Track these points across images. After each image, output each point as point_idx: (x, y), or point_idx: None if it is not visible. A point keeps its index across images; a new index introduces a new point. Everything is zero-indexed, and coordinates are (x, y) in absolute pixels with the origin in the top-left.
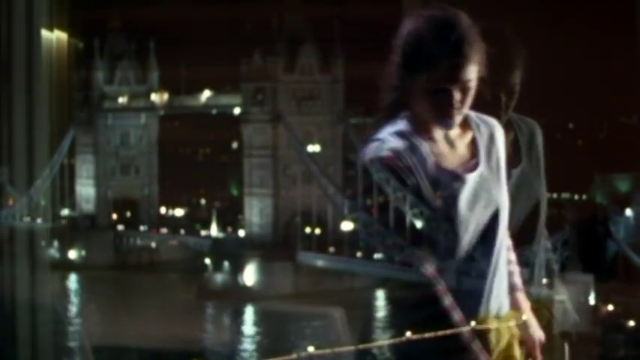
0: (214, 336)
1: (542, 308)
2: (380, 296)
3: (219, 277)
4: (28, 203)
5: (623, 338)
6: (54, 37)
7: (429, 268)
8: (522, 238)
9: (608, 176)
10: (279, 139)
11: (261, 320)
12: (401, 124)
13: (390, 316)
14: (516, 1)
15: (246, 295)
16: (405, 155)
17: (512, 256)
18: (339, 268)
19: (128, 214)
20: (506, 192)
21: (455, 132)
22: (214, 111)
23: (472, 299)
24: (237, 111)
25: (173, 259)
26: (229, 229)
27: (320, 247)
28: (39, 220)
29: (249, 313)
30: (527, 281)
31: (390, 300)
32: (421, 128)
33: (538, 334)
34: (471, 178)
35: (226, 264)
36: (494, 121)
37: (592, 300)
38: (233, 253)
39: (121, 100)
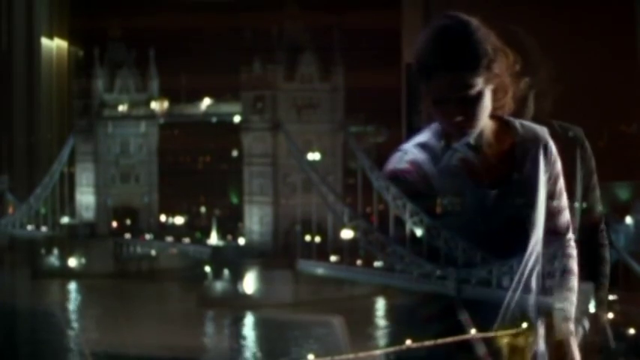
0: (214, 344)
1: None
2: (380, 304)
3: (219, 286)
4: (28, 211)
5: (624, 347)
6: (54, 45)
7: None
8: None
9: (607, 184)
10: (279, 147)
11: (261, 328)
12: (425, 135)
13: (390, 324)
14: (514, 11)
15: (247, 303)
16: (425, 167)
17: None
18: (338, 276)
19: (128, 222)
20: (542, 207)
21: (488, 141)
22: (214, 119)
23: (473, 308)
24: (237, 119)
25: (173, 268)
26: (229, 237)
27: (320, 255)
28: (39, 228)
29: (249, 321)
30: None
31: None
32: (446, 138)
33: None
34: (498, 190)
35: (226, 272)
36: (540, 131)
37: (592, 308)
38: (233, 261)
39: (121, 108)
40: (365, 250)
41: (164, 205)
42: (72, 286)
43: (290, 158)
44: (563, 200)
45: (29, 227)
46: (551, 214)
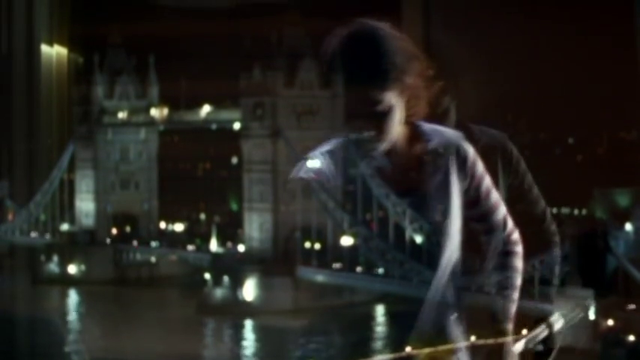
0: (214, 351)
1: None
2: (380, 311)
3: (218, 292)
4: (28, 218)
5: (624, 353)
6: (54, 51)
7: None
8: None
9: (607, 191)
10: (278, 154)
11: (261, 335)
12: (333, 143)
13: (389, 331)
14: (515, 16)
15: (246, 310)
16: (330, 175)
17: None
18: (338, 283)
19: (128, 228)
20: (456, 213)
21: (401, 148)
22: (214, 126)
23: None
24: (237, 126)
25: (172, 274)
26: (229, 243)
27: (320, 262)
28: (39, 235)
29: (248, 327)
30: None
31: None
32: (356, 146)
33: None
34: (411, 199)
35: (226, 279)
36: (453, 135)
37: (592, 315)
38: (233, 268)
39: (121, 114)
40: (365, 257)
41: (164, 211)
42: (72, 292)
43: (290, 165)
44: (493, 198)
45: (33, 235)
46: (484, 214)
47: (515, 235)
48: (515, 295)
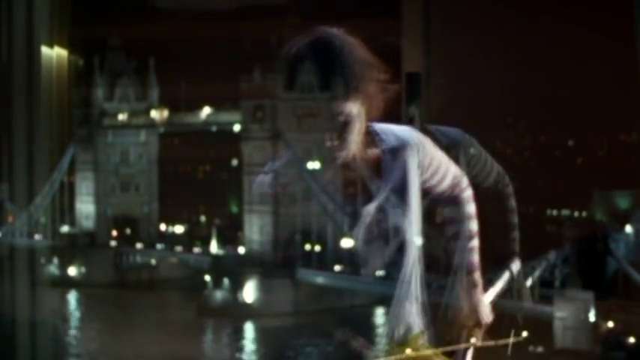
0: (214, 353)
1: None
2: (379, 313)
3: (219, 295)
4: (28, 220)
5: (624, 355)
6: (54, 54)
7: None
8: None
9: (607, 193)
10: (279, 156)
11: (260, 337)
12: (284, 155)
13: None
14: (516, 19)
15: (246, 312)
16: (288, 188)
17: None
18: (338, 285)
19: (128, 231)
20: (416, 215)
21: (359, 154)
22: (214, 128)
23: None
24: (237, 128)
25: (173, 277)
26: (229, 246)
27: (320, 264)
28: (39, 237)
29: (248, 330)
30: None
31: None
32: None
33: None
34: (369, 206)
35: (226, 281)
36: (407, 134)
37: (592, 317)
38: (233, 270)
39: (121, 117)
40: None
41: (164, 214)
42: (72, 294)
43: (290, 167)
44: (449, 179)
45: (36, 237)
46: (443, 193)
47: (468, 193)
48: (474, 242)
